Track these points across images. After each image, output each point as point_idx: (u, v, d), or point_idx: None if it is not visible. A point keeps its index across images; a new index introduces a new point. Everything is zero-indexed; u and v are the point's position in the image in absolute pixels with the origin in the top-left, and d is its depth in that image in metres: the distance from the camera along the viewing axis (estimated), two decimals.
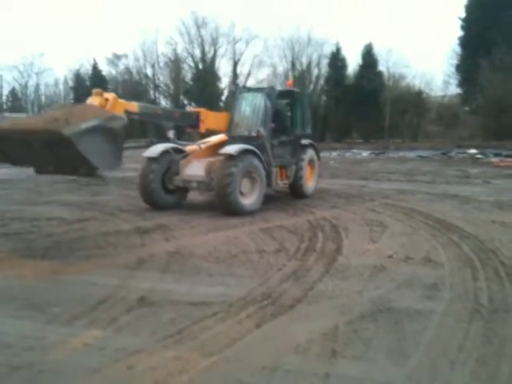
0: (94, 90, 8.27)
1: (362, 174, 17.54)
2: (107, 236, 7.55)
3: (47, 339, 3.92)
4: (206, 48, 48.99)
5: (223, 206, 9.19)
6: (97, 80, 47.47)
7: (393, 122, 40.95)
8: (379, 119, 40.96)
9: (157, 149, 10.02)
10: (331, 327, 4.12)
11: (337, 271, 5.70)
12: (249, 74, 50.54)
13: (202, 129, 10.52)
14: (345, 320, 4.26)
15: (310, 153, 11.57)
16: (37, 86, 51.76)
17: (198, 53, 49.61)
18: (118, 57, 50.09)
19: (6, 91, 51.33)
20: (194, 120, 10.44)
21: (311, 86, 44.61)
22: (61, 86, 52.81)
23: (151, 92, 51.05)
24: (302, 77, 44.43)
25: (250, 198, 9.48)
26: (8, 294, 5.02)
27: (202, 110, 10.69)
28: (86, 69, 49.55)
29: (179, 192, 10.29)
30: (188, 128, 11.30)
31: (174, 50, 49.44)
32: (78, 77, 49.40)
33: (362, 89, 40.38)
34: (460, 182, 15.05)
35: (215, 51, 49.20)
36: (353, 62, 43.22)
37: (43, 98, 53.28)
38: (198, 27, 48.31)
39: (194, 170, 9.81)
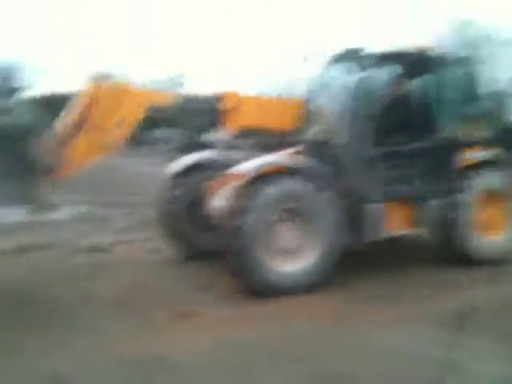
0: None
1: None
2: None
3: None
4: None
5: (236, 274, 5.03)
6: None
7: None
8: None
9: (183, 161, 6.44)
10: None
11: None
12: None
13: (231, 125, 5.90)
14: None
15: (490, 178, 6.10)
16: None
17: None
18: None
19: None
20: (215, 111, 5.84)
21: None
22: None
23: None
24: None
25: (297, 262, 5.06)
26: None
27: (228, 94, 5.92)
28: None
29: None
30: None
31: None
32: None
33: None
34: None
35: None
36: None
37: None
38: None
39: (221, 197, 5.35)
